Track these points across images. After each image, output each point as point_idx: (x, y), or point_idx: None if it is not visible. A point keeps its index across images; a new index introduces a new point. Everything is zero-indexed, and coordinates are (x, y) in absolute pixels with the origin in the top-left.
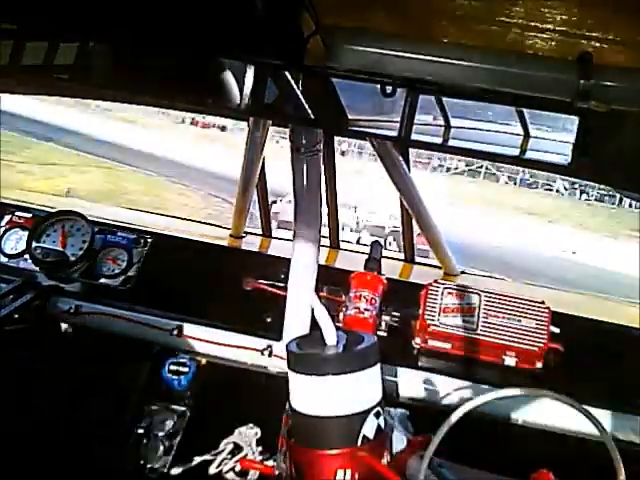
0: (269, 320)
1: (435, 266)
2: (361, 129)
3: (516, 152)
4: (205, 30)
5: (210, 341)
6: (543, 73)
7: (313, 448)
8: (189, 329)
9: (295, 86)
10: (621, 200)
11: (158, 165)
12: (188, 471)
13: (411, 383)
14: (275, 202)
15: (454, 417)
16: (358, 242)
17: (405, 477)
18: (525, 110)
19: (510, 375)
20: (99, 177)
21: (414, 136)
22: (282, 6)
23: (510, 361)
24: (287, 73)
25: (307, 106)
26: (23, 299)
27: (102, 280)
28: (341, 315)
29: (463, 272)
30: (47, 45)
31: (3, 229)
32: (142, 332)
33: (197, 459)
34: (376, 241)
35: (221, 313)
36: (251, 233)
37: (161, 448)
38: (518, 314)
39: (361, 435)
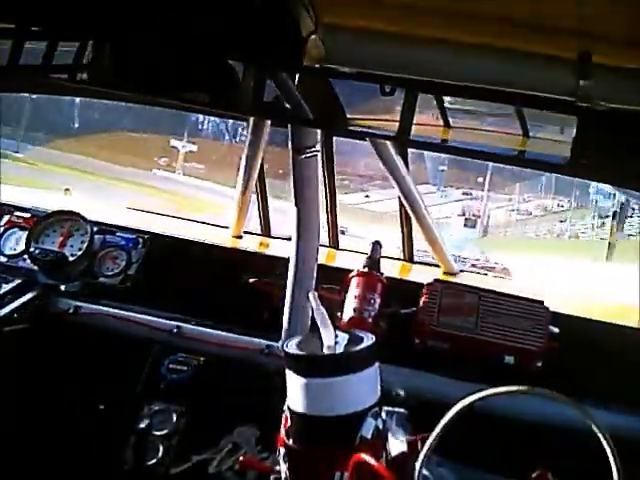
0: (268, 320)
1: (434, 265)
2: (360, 129)
3: (515, 152)
4: (204, 30)
5: (209, 341)
6: (543, 73)
7: (311, 448)
8: (188, 329)
9: (294, 86)
10: None
11: None
12: (187, 470)
13: (410, 383)
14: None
15: (449, 415)
16: None
17: (404, 477)
18: (524, 110)
19: (509, 374)
20: None
21: (413, 136)
22: (281, 6)
23: (509, 360)
24: (286, 73)
25: (306, 106)
26: (23, 299)
27: (101, 280)
28: (340, 315)
29: (462, 271)
30: (47, 45)
31: (2, 229)
32: (141, 332)
33: (196, 458)
34: (376, 240)
35: (220, 313)
36: (251, 233)
37: (161, 447)
38: (517, 314)
39: (359, 435)
